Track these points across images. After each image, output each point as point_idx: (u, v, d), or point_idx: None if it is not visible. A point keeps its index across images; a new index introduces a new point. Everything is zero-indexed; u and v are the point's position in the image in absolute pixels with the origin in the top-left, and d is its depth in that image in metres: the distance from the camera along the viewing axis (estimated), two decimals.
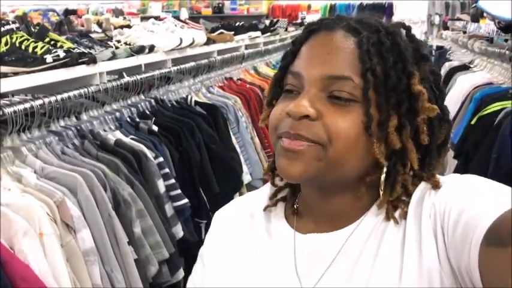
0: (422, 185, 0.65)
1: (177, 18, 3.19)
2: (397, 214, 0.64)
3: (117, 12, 6.06)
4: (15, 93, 1.97)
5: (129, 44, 2.15)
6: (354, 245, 0.65)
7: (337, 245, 0.66)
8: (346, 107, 0.61)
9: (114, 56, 1.92)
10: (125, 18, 4.85)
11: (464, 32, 4.23)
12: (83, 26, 4.09)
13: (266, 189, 0.78)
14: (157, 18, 3.01)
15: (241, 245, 0.74)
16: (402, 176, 0.64)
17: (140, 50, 2.10)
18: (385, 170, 0.64)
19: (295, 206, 0.73)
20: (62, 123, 1.69)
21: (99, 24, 4.01)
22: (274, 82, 0.70)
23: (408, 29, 0.68)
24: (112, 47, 2.03)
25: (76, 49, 1.78)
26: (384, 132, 0.62)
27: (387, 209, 0.64)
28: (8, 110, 1.42)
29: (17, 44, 1.65)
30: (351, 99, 0.61)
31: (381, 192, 0.65)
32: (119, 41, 2.18)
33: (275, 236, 0.72)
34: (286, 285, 0.67)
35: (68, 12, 5.61)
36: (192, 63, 2.46)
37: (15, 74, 1.62)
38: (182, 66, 2.36)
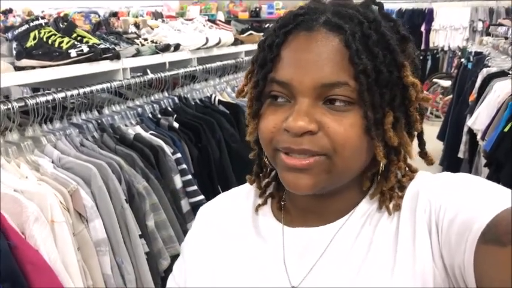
0: (418, 178, 0.64)
1: (213, 21, 3.20)
2: (390, 205, 0.63)
3: (157, 15, 6.17)
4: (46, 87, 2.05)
5: (156, 42, 2.19)
6: (344, 238, 0.64)
7: (327, 239, 0.65)
8: (344, 112, 0.58)
9: (138, 53, 1.96)
10: (163, 21, 4.94)
11: (506, 38, 4.08)
12: (122, 27, 4.20)
13: (249, 185, 0.76)
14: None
15: (226, 240, 0.72)
16: (396, 165, 0.63)
17: (165, 48, 2.13)
18: (382, 164, 0.62)
19: (282, 202, 0.72)
20: (83, 116, 1.73)
21: (137, 26, 4.11)
22: (256, 95, 0.63)
23: (380, 5, 0.63)
24: (138, 44, 2.06)
25: (101, 45, 1.83)
26: (381, 130, 0.59)
27: (382, 199, 0.63)
28: (30, 102, 1.47)
29: (44, 39, 1.71)
30: (349, 102, 0.58)
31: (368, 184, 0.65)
32: (145, 39, 2.22)
33: (262, 230, 0.71)
34: (274, 280, 0.66)
35: (112, 15, 5.76)
36: (218, 63, 2.47)
37: (43, 67, 1.68)
38: (208, 65, 2.38)
